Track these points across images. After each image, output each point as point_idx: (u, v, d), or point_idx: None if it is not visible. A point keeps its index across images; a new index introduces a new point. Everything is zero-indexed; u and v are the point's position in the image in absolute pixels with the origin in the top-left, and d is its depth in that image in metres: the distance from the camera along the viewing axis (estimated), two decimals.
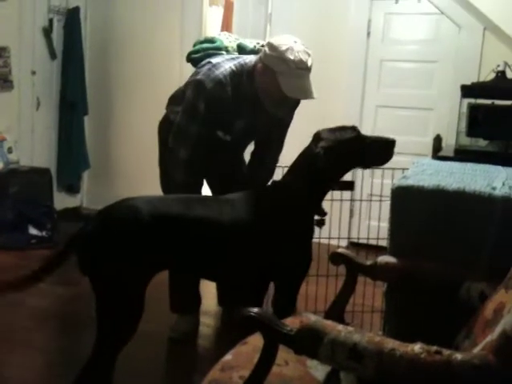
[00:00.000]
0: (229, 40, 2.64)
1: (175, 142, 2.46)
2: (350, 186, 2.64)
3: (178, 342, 2.73)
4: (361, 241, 3.12)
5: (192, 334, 2.81)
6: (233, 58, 2.44)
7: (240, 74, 2.38)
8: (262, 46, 2.58)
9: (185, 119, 2.43)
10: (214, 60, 2.41)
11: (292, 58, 2.21)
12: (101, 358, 1.85)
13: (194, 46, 2.65)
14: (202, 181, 2.68)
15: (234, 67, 2.38)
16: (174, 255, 1.97)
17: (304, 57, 2.24)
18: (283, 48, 2.23)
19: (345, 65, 4.46)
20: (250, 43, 2.63)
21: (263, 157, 2.71)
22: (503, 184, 1.81)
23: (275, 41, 2.28)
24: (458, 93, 2.79)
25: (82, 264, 1.85)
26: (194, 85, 2.39)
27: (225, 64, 2.39)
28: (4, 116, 4.53)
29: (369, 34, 4.41)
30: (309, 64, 2.26)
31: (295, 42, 2.27)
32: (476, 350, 1.16)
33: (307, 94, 2.31)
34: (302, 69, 2.24)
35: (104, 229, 1.86)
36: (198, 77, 2.37)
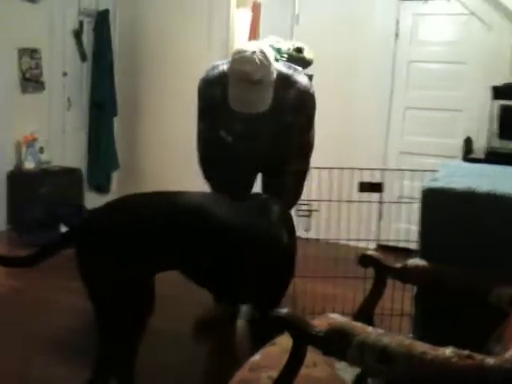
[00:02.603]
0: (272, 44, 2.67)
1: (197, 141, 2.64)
2: (378, 187, 2.63)
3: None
4: (390, 243, 3.09)
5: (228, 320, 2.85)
6: None
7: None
8: (298, 49, 2.60)
9: (197, 119, 2.58)
10: (217, 62, 2.51)
11: (237, 67, 2.22)
12: (106, 360, 1.87)
13: None
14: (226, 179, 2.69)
15: (226, 69, 2.39)
16: (179, 256, 1.95)
17: (252, 68, 2.18)
18: (235, 57, 2.24)
19: (372, 66, 4.43)
20: (284, 46, 2.66)
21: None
22: None
23: (238, 47, 2.30)
24: (488, 94, 2.76)
25: (78, 257, 1.83)
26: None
27: (220, 66, 2.45)
28: (35, 117, 4.62)
29: (397, 35, 4.37)
30: (255, 78, 2.19)
31: (254, 52, 2.21)
32: (508, 354, 1.15)
33: (246, 107, 2.27)
34: (244, 81, 2.21)
35: (101, 224, 1.86)
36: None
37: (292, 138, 2.50)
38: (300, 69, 2.57)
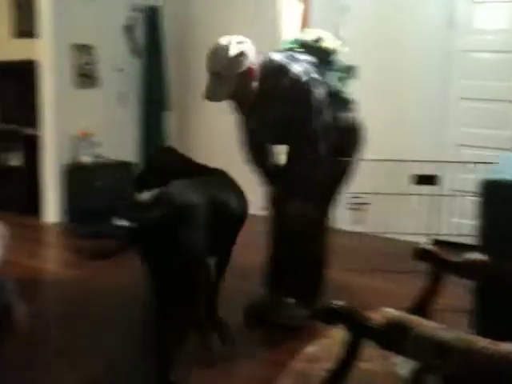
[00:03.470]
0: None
1: None
2: (433, 180, 2.58)
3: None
4: (443, 238, 3.01)
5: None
6: None
7: None
8: (317, 39, 2.63)
9: None
10: None
11: (207, 59, 2.39)
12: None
13: None
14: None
15: None
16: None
17: (213, 61, 2.37)
18: (210, 49, 2.41)
19: (425, 55, 4.32)
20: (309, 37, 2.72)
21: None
22: None
23: (218, 40, 2.43)
24: None
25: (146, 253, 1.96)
26: None
27: None
28: (90, 112, 4.74)
29: (451, 23, 4.26)
30: (213, 70, 2.36)
31: (224, 45, 2.37)
32: None
33: (207, 96, 2.40)
34: (208, 71, 2.38)
35: (172, 217, 2.00)
36: None
37: (298, 127, 2.52)
38: (303, 58, 2.58)
